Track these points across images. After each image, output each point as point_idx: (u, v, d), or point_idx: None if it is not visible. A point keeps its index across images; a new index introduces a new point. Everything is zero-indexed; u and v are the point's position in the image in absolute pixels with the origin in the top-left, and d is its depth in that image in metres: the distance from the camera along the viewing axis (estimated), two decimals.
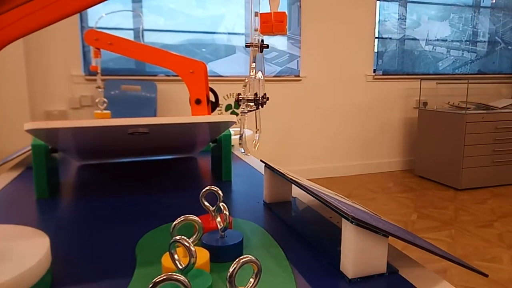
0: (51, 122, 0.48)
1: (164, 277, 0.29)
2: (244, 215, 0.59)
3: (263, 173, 0.63)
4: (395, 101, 3.97)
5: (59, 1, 0.50)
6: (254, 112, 0.46)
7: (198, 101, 1.06)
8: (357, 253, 0.39)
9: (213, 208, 0.47)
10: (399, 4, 3.87)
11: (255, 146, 0.48)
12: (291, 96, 3.60)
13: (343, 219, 0.40)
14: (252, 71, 0.42)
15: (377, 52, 3.87)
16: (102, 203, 0.65)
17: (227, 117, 0.56)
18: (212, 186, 0.47)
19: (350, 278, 0.39)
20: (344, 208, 0.41)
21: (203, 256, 0.40)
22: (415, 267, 0.43)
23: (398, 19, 3.90)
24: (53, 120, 2.99)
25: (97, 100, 1.36)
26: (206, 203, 0.47)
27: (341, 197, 0.56)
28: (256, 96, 0.44)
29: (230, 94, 3.33)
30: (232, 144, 0.86)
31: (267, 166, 0.61)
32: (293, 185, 0.57)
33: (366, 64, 3.81)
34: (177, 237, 0.34)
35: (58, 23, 2.88)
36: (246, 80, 0.43)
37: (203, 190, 0.47)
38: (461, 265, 0.43)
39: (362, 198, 3.16)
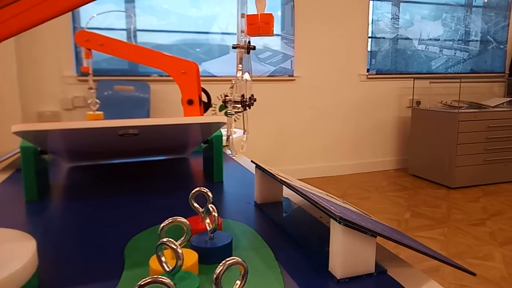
0: (39, 124, 0.48)
1: (149, 280, 0.29)
2: (235, 216, 0.59)
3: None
4: (389, 100, 3.99)
5: (47, 0, 0.50)
6: (242, 113, 0.46)
7: (190, 102, 1.06)
8: (345, 254, 0.39)
9: (202, 210, 0.47)
10: (392, 4, 3.89)
11: (242, 148, 0.48)
12: (285, 96, 3.61)
13: (331, 219, 0.40)
14: (239, 72, 0.42)
15: (371, 51, 3.88)
16: (92, 205, 0.64)
17: (217, 118, 0.56)
18: (202, 188, 0.47)
19: (338, 278, 0.39)
20: (332, 208, 0.41)
21: (191, 258, 0.40)
22: (404, 266, 0.43)
23: (391, 19, 3.92)
24: (45, 121, 2.97)
25: (89, 101, 1.35)
26: (195, 204, 0.47)
27: (332, 197, 0.56)
28: (243, 98, 0.43)
29: (224, 94, 3.33)
30: (225, 144, 0.86)
31: (258, 166, 0.61)
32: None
33: (359, 64, 3.82)
34: (164, 240, 0.34)
35: (50, 24, 2.86)
36: (233, 82, 0.43)
37: (193, 191, 0.47)
38: (449, 264, 0.44)
39: (356, 197, 3.17)
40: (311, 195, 0.46)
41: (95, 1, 0.44)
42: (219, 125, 0.64)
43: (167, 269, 0.35)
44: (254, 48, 0.43)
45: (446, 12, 4.14)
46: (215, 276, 0.29)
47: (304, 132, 3.72)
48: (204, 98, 1.16)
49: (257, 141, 3.58)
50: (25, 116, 2.88)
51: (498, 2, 4.32)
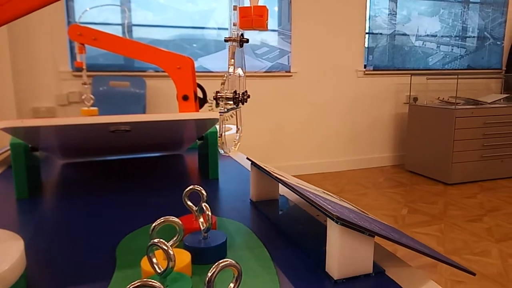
0: (26, 121, 0.46)
1: (139, 283, 0.28)
2: (230, 214, 0.58)
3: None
4: (386, 96, 3.99)
5: None
6: (236, 110, 0.45)
7: (185, 97, 1.05)
8: (342, 254, 0.38)
9: (196, 208, 0.46)
10: (389, 0, 3.87)
11: (236, 146, 0.47)
12: (282, 91, 3.59)
13: (328, 218, 0.39)
14: (231, 68, 0.41)
15: (368, 47, 3.87)
16: (84, 203, 0.63)
17: (211, 114, 0.54)
18: (196, 186, 0.46)
19: (335, 279, 0.38)
20: (329, 207, 0.40)
21: (184, 258, 0.38)
22: (402, 266, 0.42)
23: (388, 15, 3.90)
24: (40, 117, 2.94)
25: (83, 97, 1.33)
26: (189, 203, 0.46)
27: (329, 194, 0.55)
28: (236, 94, 0.42)
29: (216, 91, 3.31)
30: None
31: (253, 164, 0.60)
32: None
33: (356, 60, 3.81)
34: (155, 240, 0.33)
35: (44, 18, 2.83)
36: (225, 77, 0.42)
37: (186, 189, 0.46)
38: (449, 264, 0.43)
39: (353, 193, 3.17)
40: (307, 193, 0.45)
41: None
42: (213, 121, 0.62)
43: (159, 271, 0.33)
44: (247, 41, 0.42)
45: (443, 8, 4.13)
46: (207, 279, 0.28)
47: (301, 128, 3.71)
48: (200, 94, 1.15)
49: (254, 137, 3.57)
50: (20, 112, 2.85)
51: None
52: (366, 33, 3.83)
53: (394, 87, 4.00)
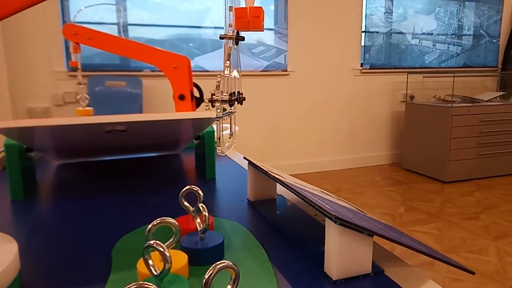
0: (20, 121, 0.46)
1: (135, 286, 0.27)
2: (227, 214, 0.57)
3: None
4: (382, 95, 3.99)
5: None
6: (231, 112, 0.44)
7: (181, 97, 1.04)
8: (341, 254, 0.37)
9: (193, 209, 0.45)
10: None
11: (229, 148, 0.46)
12: (279, 90, 3.59)
13: (326, 218, 0.38)
14: (227, 70, 0.40)
15: (364, 46, 3.87)
16: (79, 204, 0.62)
17: (207, 113, 0.54)
18: (193, 186, 0.45)
19: (334, 279, 0.38)
20: (328, 207, 0.39)
21: (181, 259, 0.38)
22: (401, 266, 0.42)
23: (384, 13, 3.90)
24: (35, 117, 2.92)
25: (78, 97, 1.32)
26: (186, 203, 0.46)
27: (327, 193, 0.55)
28: (232, 97, 0.41)
29: (211, 93, 3.30)
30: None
31: (250, 163, 0.59)
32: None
33: (353, 58, 3.81)
34: (151, 242, 0.33)
35: (39, 17, 2.81)
36: (219, 79, 0.41)
37: (183, 190, 0.46)
38: (448, 263, 0.42)
39: (351, 192, 3.17)
40: (305, 192, 0.45)
41: None
42: (210, 120, 0.62)
43: (155, 273, 0.33)
44: (243, 38, 0.41)
45: (439, 6, 4.13)
46: (204, 281, 0.27)
47: (298, 127, 3.71)
48: (197, 93, 1.14)
49: (251, 137, 3.56)
50: (15, 112, 2.84)
51: None
52: (363, 31, 3.83)
53: (391, 86, 4.00)
